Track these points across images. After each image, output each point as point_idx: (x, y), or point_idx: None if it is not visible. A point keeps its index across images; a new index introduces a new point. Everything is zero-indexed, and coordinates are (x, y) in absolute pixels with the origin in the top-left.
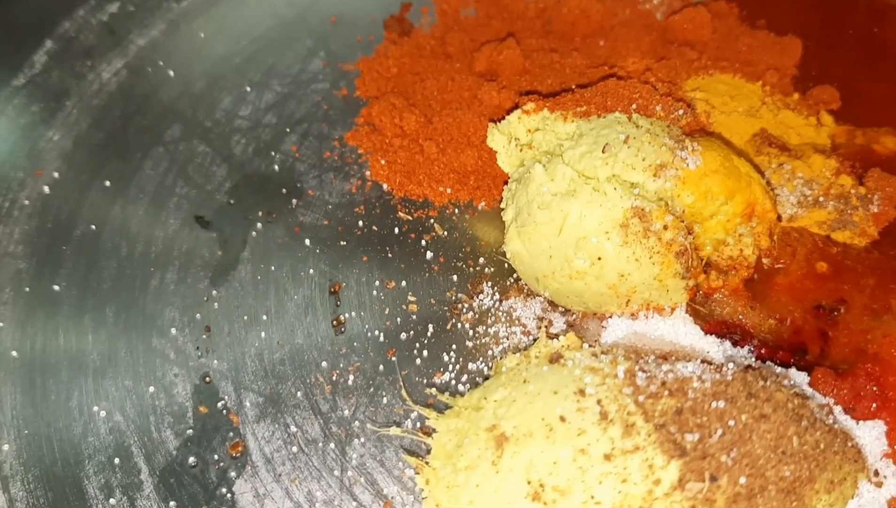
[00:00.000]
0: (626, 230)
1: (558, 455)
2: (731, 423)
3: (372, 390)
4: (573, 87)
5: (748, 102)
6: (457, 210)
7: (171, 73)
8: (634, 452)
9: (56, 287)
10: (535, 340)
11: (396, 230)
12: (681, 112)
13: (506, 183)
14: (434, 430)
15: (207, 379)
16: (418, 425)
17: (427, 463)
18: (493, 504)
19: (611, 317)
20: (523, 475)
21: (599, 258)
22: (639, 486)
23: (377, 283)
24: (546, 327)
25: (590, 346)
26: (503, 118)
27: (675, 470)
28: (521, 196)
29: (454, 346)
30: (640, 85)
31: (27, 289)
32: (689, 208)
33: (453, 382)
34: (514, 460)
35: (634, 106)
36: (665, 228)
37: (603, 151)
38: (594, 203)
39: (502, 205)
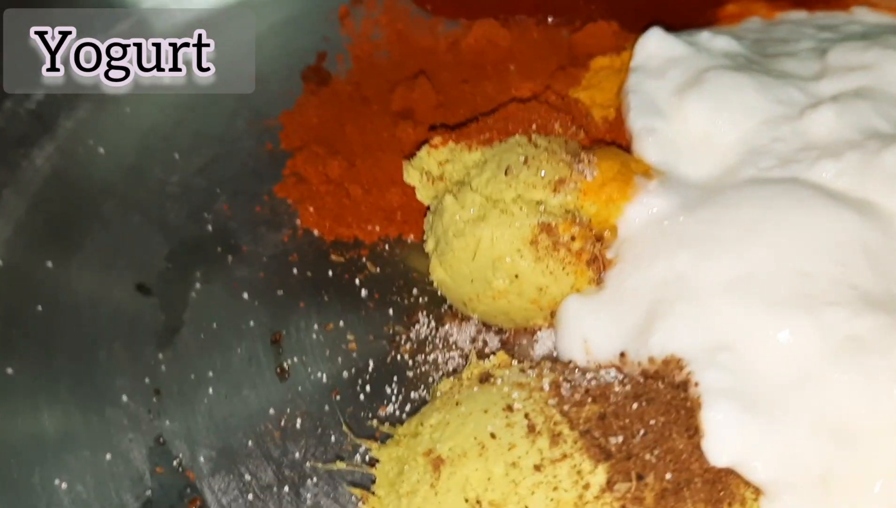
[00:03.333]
0: (536, 246)
1: (491, 470)
2: (652, 422)
3: (319, 430)
4: (478, 116)
5: None
6: (387, 246)
7: (102, 150)
8: (563, 460)
9: (10, 370)
10: (471, 361)
11: (330, 273)
12: (574, 128)
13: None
14: (377, 460)
15: (161, 440)
16: (367, 458)
17: (373, 493)
18: None
19: (540, 330)
20: (461, 494)
21: (517, 276)
22: (569, 492)
23: (316, 327)
24: (478, 349)
25: (519, 362)
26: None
27: (603, 473)
28: (437, 226)
29: (395, 377)
30: (539, 105)
31: None
32: (595, 217)
33: (397, 412)
34: (451, 480)
35: (534, 126)
36: (573, 238)
37: (506, 174)
38: (504, 225)
39: (424, 237)
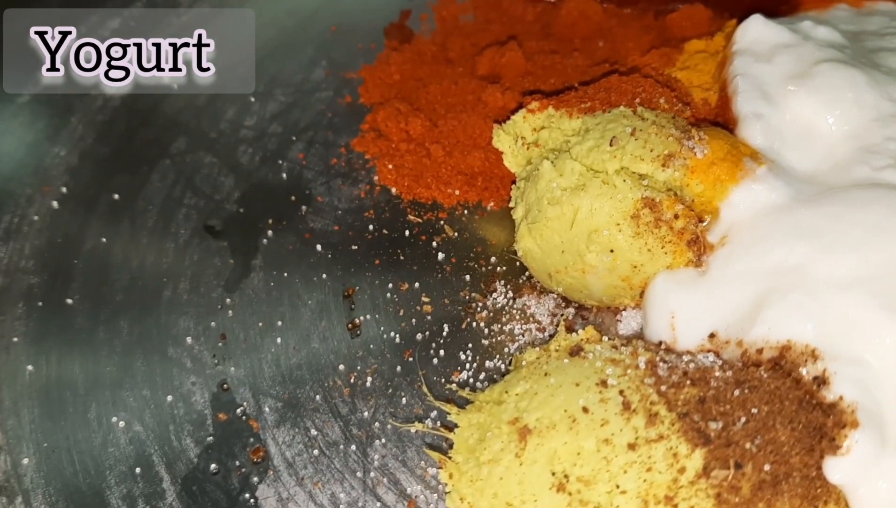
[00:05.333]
0: (637, 221)
1: (582, 445)
2: (755, 411)
3: (390, 391)
4: (576, 85)
5: None
6: (466, 211)
7: (175, 86)
8: (658, 441)
9: (69, 301)
10: (550, 336)
11: (407, 233)
12: (680, 105)
13: (514, 183)
14: (456, 425)
15: (225, 386)
16: (439, 423)
17: (450, 458)
18: (517, 496)
19: (625, 310)
20: (547, 466)
21: (612, 251)
22: (664, 474)
23: (390, 285)
24: (564, 320)
25: (609, 339)
26: (508, 119)
27: (700, 458)
28: (530, 193)
29: (470, 345)
30: (643, 79)
31: (40, 303)
32: (699, 197)
33: (471, 380)
34: (537, 452)
35: (638, 100)
36: (676, 217)
37: (611, 145)
38: (604, 196)
39: (511, 204)
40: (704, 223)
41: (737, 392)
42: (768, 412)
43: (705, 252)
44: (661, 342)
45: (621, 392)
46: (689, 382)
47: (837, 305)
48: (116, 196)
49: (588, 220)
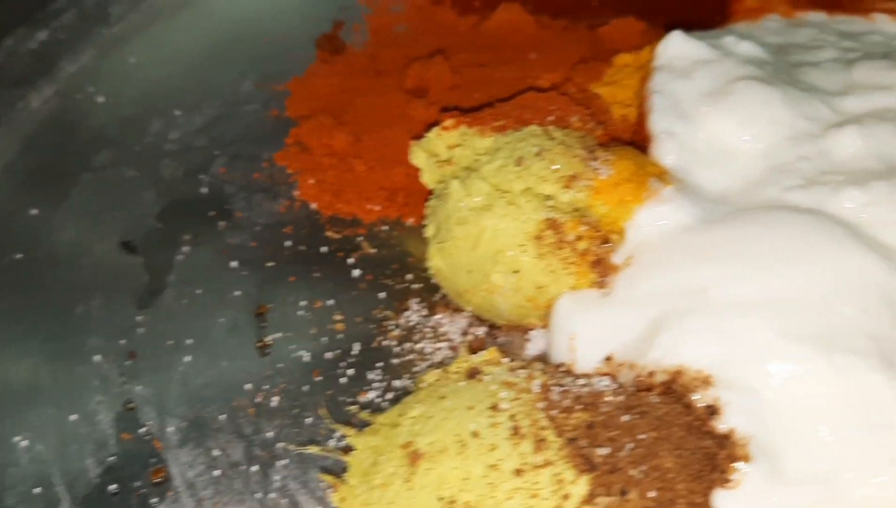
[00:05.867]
0: (540, 242)
1: (470, 470)
2: (642, 437)
3: (296, 411)
4: (495, 101)
5: None
6: (385, 227)
7: (102, 99)
8: (545, 467)
9: None
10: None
11: (325, 249)
12: (592, 124)
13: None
14: (353, 448)
15: (131, 405)
16: (343, 444)
17: (344, 481)
18: None
19: (533, 330)
20: (435, 491)
21: (517, 271)
22: (548, 501)
23: (304, 303)
24: (469, 342)
25: (511, 360)
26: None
27: (585, 485)
28: (440, 212)
29: (380, 364)
30: (558, 97)
31: None
32: (605, 218)
33: (377, 400)
34: (426, 477)
35: (552, 118)
36: (579, 238)
37: (517, 165)
38: (509, 216)
39: (425, 221)
40: (610, 244)
41: (626, 418)
42: (655, 439)
43: (609, 274)
44: (561, 364)
45: (512, 417)
46: (580, 407)
47: (735, 330)
48: (35, 211)
49: (493, 240)
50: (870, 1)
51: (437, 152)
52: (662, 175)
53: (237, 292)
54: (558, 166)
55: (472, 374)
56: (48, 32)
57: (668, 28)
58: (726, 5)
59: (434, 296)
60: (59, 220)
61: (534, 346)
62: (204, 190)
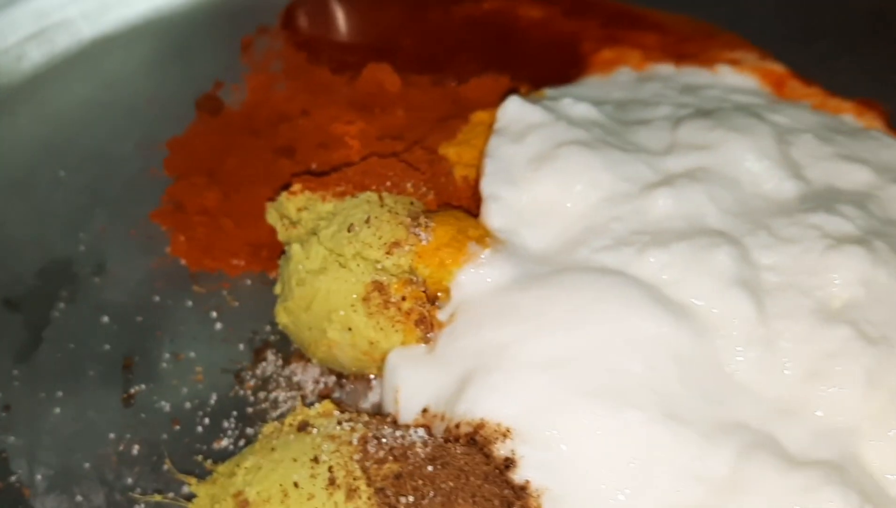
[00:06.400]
0: (368, 303)
1: None
2: (443, 486)
3: (155, 458)
4: (355, 162)
5: None
6: (249, 281)
7: None
8: None
9: None
10: (310, 404)
11: (190, 303)
12: (425, 189)
13: None
14: (195, 496)
15: (4, 455)
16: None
17: None
18: None
19: (375, 379)
20: None
21: (350, 329)
22: None
23: (167, 355)
24: (320, 390)
25: (342, 412)
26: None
27: None
28: (284, 272)
29: (235, 412)
30: (396, 163)
31: None
32: (429, 279)
33: (231, 447)
34: None
35: (389, 183)
36: (403, 299)
37: (348, 231)
38: (340, 279)
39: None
40: (436, 304)
41: (430, 468)
42: (453, 488)
43: (433, 330)
44: (388, 415)
45: (330, 468)
46: (391, 458)
47: (533, 387)
48: None
49: (326, 301)
50: (715, 52)
51: (288, 214)
52: (482, 239)
53: (107, 346)
54: (382, 234)
55: (302, 427)
56: None
57: (537, 83)
58: (584, 57)
59: (290, 347)
60: None
61: (374, 394)
62: (82, 247)
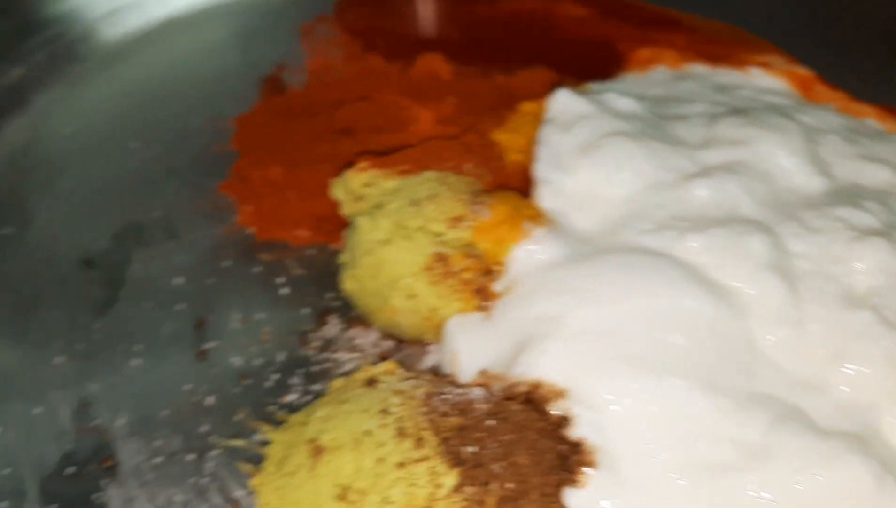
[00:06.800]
0: (431, 272)
1: (362, 463)
2: (503, 438)
3: (227, 409)
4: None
5: None
6: (312, 251)
7: (69, 130)
8: (423, 461)
9: None
10: (370, 364)
11: (257, 270)
12: (482, 171)
13: None
14: (270, 442)
15: (87, 401)
16: (263, 439)
17: (262, 469)
18: (308, 504)
19: (431, 344)
20: (333, 479)
21: (413, 296)
22: (424, 489)
23: (238, 316)
24: (378, 353)
25: (405, 371)
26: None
27: (455, 477)
28: (351, 242)
29: (301, 370)
30: (456, 145)
31: None
32: (487, 253)
33: (297, 401)
34: (326, 467)
35: (449, 164)
36: (464, 270)
37: (413, 206)
38: (405, 249)
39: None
40: (492, 275)
41: (490, 422)
42: (512, 440)
43: (490, 300)
44: (447, 375)
45: (398, 419)
46: (455, 412)
47: (584, 353)
48: (9, 229)
49: (393, 269)
50: (747, 55)
51: (353, 189)
52: (536, 217)
53: (180, 306)
54: (445, 209)
55: (370, 382)
56: (23, 69)
57: (575, 77)
58: (621, 55)
59: (350, 313)
60: (30, 238)
61: (431, 358)
62: (155, 214)
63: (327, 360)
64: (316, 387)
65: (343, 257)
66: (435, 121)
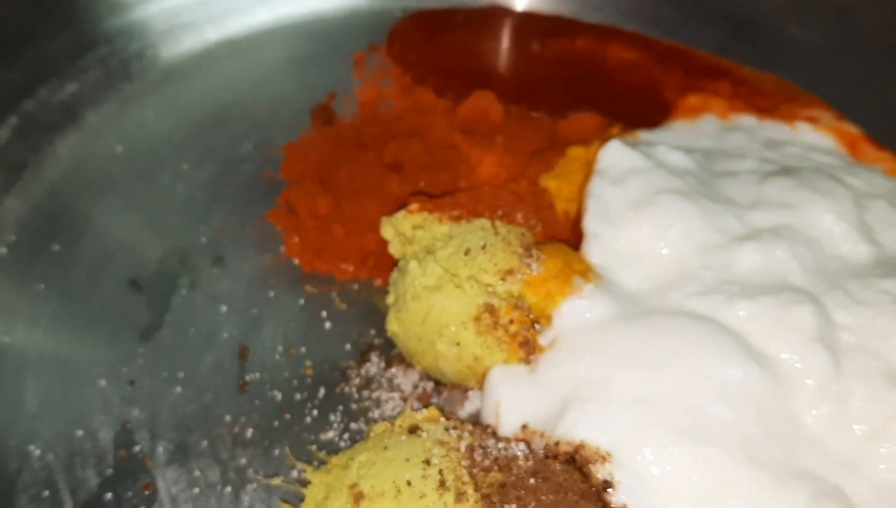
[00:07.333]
0: (479, 323)
1: None
2: (544, 498)
3: (266, 443)
4: (462, 185)
5: None
6: (356, 286)
7: (120, 149)
8: None
9: (6, 338)
10: (409, 405)
11: (302, 302)
12: (533, 221)
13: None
14: (310, 482)
15: (128, 426)
16: (303, 475)
17: None
18: None
19: (471, 390)
20: None
21: (458, 344)
22: None
23: (280, 348)
24: (418, 394)
25: (447, 419)
26: (394, 213)
27: None
28: (399, 285)
29: (340, 407)
30: (507, 193)
31: None
32: (535, 305)
33: (336, 439)
34: None
35: (500, 212)
36: (511, 322)
37: (465, 254)
38: (455, 298)
39: (389, 288)
40: (538, 328)
41: (532, 481)
42: (554, 501)
43: (535, 353)
44: (488, 426)
45: (440, 472)
46: (496, 467)
47: (627, 419)
48: (57, 247)
49: (439, 316)
50: (795, 109)
51: (403, 231)
52: (586, 273)
53: (224, 335)
54: (497, 261)
55: (413, 430)
56: (77, 86)
57: (622, 122)
58: (668, 101)
59: (392, 351)
60: (77, 257)
61: (471, 404)
62: (202, 239)
63: (367, 398)
64: (354, 426)
65: (389, 298)
66: (483, 161)
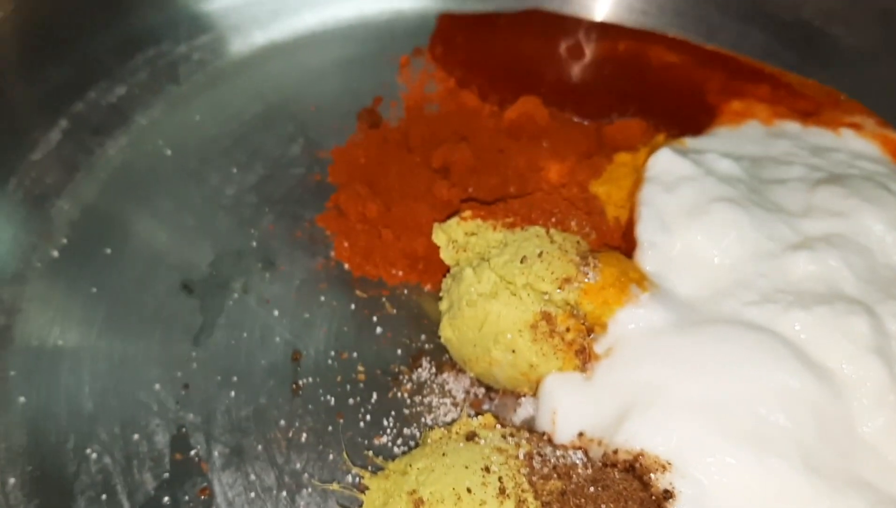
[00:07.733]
0: (535, 330)
1: None
2: (603, 506)
3: (321, 447)
4: (511, 189)
5: None
6: (406, 291)
7: (169, 151)
8: None
9: (60, 342)
10: (461, 411)
11: (353, 306)
12: (588, 229)
13: (446, 274)
14: (367, 488)
15: (183, 430)
16: (358, 480)
17: None
18: None
19: (524, 397)
20: None
21: (513, 351)
22: None
23: (333, 353)
24: (470, 400)
25: (502, 426)
26: (450, 215)
27: None
28: (454, 292)
29: (393, 412)
30: (561, 200)
31: (35, 343)
32: (591, 313)
33: (389, 444)
34: None
35: (553, 219)
36: (568, 330)
37: (521, 262)
38: (511, 305)
39: (441, 295)
40: (593, 336)
41: (592, 489)
42: None
43: (591, 361)
44: (544, 433)
45: (500, 479)
46: (555, 475)
47: (687, 427)
48: (109, 250)
49: (495, 323)
50: (837, 115)
51: (456, 238)
52: (641, 281)
53: (277, 339)
54: (554, 270)
55: (471, 437)
56: (125, 88)
57: (664, 125)
58: (714, 105)
59: (443, 356)
60: (128, 259)
61: (523, 411)
62: (253, 243)
63: (419, 403)
64: (408, 430)
65: (443, 305)
66: (531, 166)
